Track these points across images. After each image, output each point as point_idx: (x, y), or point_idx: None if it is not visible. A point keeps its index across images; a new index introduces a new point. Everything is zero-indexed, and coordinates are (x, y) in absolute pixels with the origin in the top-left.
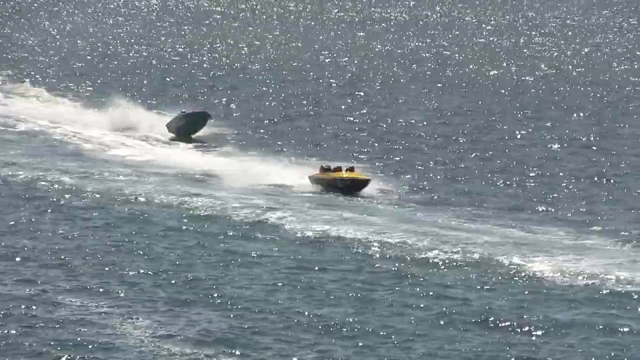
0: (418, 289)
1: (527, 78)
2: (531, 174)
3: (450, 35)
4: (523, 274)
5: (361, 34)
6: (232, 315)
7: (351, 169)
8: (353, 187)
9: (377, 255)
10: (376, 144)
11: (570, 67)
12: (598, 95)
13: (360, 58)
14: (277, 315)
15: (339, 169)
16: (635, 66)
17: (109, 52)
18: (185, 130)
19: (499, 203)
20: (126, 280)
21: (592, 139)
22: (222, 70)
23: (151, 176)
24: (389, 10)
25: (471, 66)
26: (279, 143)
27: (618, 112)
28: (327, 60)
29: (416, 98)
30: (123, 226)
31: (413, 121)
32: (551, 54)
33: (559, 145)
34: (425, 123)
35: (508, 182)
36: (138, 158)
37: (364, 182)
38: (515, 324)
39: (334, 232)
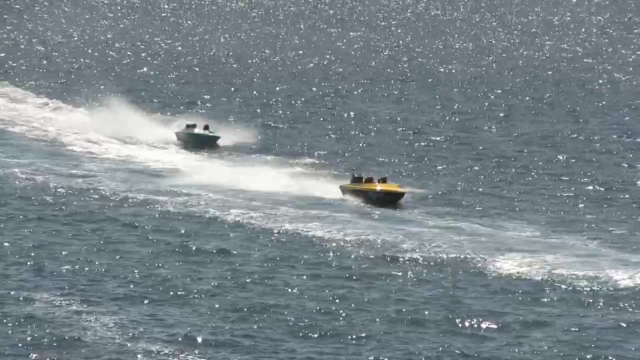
0: (385, 287)
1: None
2: (502, 171)
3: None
4: (491, 272)
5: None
6: (202, 313)
7: (384, 180)
8: (387, 200)
9: (347, 253)
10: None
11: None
12: (582, 95)
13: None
14: (247, 312)
15: (370, 180)
16: (606, 65)
17: (103, 51)
18: (192, 146)
19: (469, 200)
20: (95, 279)
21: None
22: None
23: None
24: (400, 11)
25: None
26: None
27: (589, 110)
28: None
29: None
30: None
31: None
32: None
33: (529, 142)
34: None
35: (479, 177)
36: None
37: (399, 195)
38: (482, 321)
39: (301, 230)
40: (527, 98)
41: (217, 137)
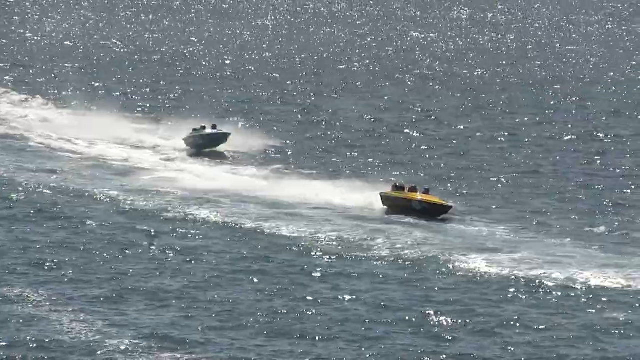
0: (353, 284)
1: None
2: (470, 167)
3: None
4: (461, 271)
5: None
6: (172, 310)
7: (426, 191)
8: (431, 212)
9: (313, 250)
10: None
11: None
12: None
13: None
14: (219, 308)
15: (414, 189)
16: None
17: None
18: (203, 147)
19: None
20: (68, 275)
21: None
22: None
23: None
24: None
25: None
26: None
27: (557, 108)
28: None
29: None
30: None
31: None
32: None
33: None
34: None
35: (445, 178)
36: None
37: (444, 208)
38: (450, 319)
39: (267, 227)
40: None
41: (229, 134)
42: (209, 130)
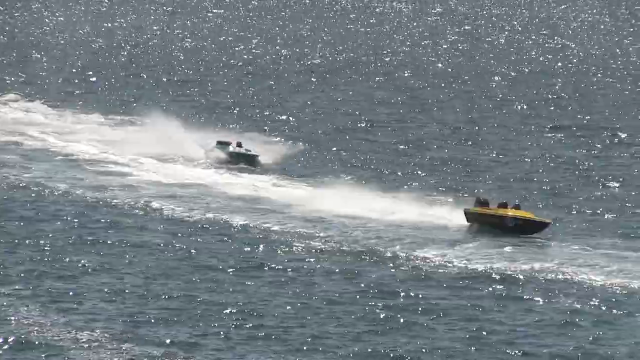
0: (288, 276)
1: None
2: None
3: None
4: (409, 263)
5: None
6: (124, 304)
7: (517, 207)
8: (526, 229)
9: (264, 245)
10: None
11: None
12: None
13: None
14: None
15: (504, 205)
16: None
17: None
18: (231, 164)
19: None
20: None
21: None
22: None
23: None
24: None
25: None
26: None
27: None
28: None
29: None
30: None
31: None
32: None
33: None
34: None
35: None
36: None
37: (542, 225)
38: (398, 310)
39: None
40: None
41: (257, 157)
42: (238, 149)
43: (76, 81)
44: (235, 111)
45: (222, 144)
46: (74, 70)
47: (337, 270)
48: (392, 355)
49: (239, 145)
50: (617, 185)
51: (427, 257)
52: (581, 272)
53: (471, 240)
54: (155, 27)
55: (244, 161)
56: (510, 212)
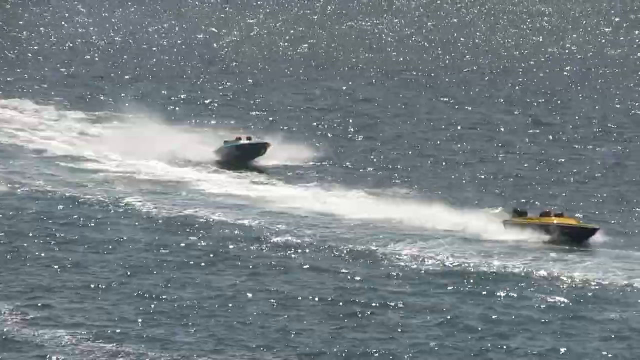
0: (263, 272)
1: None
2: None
3: None
4: (384, 258)
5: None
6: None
7: (559, 215)
8: (573, 236)
9: (231, 239)
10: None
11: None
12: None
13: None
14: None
15: (547, 214)
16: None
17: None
18: (239, 159)
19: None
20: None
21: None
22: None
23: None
24: None
25: None
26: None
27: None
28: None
29: None
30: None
31: None
32: None
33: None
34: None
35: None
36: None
37: (589, 232)
38: (367, 306)
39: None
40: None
41: (268, 144)
42: (246, 141)
43: (55, 78)
44: (214, 108)
45: (231, 141)
46: (58, 67)
47: (316, 266)
48: (367, 351)
49: (249, 139)
50: None
51: (408, 253)
52: (554, 267)
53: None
54: (143, 24)
55: (256, 153)
56: (555, 220)
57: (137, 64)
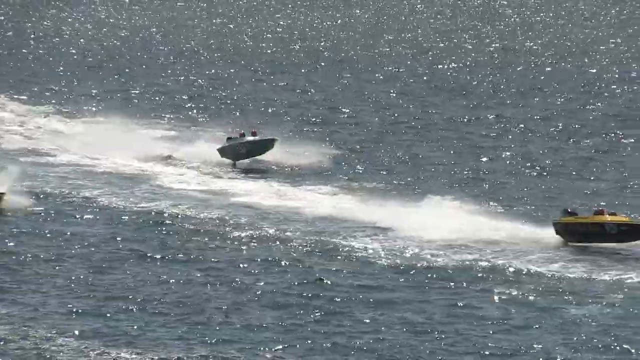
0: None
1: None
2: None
3: None
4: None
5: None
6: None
7: (612, 213)
8: (631, 234)
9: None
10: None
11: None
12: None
13: None
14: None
15: (600, 212)
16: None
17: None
18: (245, 156)
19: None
20: None
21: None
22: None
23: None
24: None
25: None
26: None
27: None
28: None
29: None
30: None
31: None
32: None
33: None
34: None
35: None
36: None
37: None
38: (331, 300)
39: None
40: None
41: (275, 140)
42: (251, 138)
43: (27, 74)
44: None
45: (235, 139)
46: (28, 61)
47: (279, 260)
48: (330, 346)
49: (254, 134)
50: None
51: (373, 247)
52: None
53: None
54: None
55: (264, 149)
56: (609, 218)
57: (107, 60)
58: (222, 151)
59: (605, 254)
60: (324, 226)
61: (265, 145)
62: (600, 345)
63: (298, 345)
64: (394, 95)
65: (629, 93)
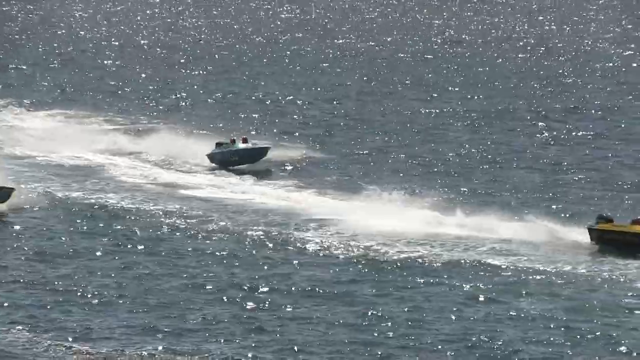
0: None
1: None
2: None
3: None
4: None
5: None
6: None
7: (637, 222)
8: None
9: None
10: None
11: None
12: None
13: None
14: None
15: (638, 222)
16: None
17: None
18: (235, 164)
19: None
20: None
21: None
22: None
23: None
24: None
25: None
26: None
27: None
28: None
29: None
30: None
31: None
32: None
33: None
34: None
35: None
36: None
37: None
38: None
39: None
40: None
41: (268, 148)
42: (243, 145)
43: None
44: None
45: (226, 144)
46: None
47: (230, 251)
48: (276, 337)
49: (245, 141)
50: None
51: (324, 240)
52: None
53: None
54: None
55: (257, 157)
56: None
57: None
58: (212, 157)
59: (552, 244)
60: (275, 219)
61: (259, 153)
62: (551, 337)
63: (250, 338)
64: (343, 87)
65: (581, 87)
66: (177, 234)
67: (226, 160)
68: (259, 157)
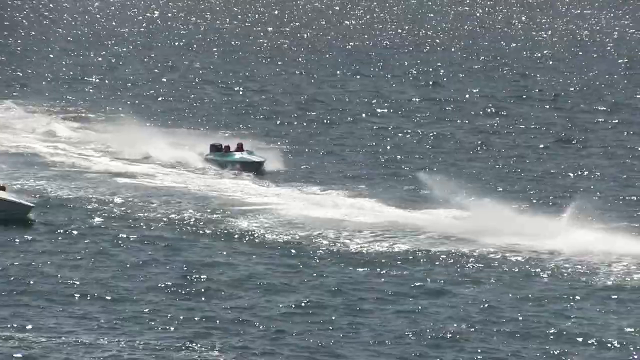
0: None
1: None
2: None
3: None
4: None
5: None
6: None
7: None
8: None
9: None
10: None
11: None
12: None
13: None
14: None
15: None
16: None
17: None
18: (230, 169)
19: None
20: None
21: None
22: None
23: None
24: None
25: None
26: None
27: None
28: None
29: None
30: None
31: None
32: None
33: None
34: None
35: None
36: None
37: None
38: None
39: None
40: None
41: (263, 162)
42: (239, 155)
43: None
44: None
45: (219, 149)
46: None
47: (173, 242)
48: (220, 330)
49: (240, 148)
50: None
51: (271, 232)
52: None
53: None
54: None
55: (255, 169)
56: None
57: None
58: (209, 161)
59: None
60: (217, 206)
61: (255, 167)
62: (490, 322)
63: (196, 329)
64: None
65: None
66: (113, 222)
67: (227, 167)
68: (253, 171)
